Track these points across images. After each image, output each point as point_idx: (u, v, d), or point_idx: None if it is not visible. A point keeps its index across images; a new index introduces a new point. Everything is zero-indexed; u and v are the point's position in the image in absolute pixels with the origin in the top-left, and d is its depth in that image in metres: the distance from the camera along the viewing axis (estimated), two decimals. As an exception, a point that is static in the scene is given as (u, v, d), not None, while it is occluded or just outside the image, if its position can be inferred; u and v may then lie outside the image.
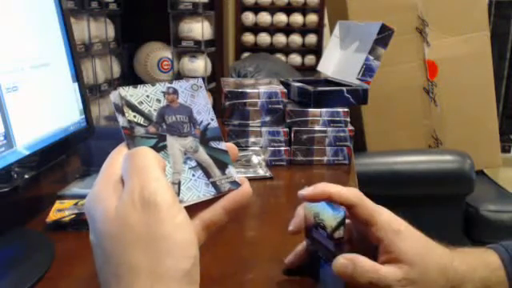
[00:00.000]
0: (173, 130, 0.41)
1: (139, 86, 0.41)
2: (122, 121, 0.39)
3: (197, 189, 0.40)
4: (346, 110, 0.98)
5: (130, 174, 0.36)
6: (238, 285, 0.56)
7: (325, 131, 0.97)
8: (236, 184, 0.41)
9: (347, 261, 0.47)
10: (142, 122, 0.39)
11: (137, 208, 0.34)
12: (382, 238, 0.48)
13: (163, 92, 0.41)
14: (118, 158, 0.38)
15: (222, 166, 0.41)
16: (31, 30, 0.65)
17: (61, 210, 0.69)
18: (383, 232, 0.48)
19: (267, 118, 0.97)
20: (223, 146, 0.42)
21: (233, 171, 0.42)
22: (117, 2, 1.42)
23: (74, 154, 0.93)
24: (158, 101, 0.40)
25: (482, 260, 0.56)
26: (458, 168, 1.38)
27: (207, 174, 0.41)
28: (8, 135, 0.56)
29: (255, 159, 0.93)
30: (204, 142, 0.42)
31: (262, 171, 0.90)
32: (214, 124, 0.42)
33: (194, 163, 0.41)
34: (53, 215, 0.68)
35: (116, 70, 1.44)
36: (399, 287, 0.47)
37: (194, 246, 0.35)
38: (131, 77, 1.58)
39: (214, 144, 0.42)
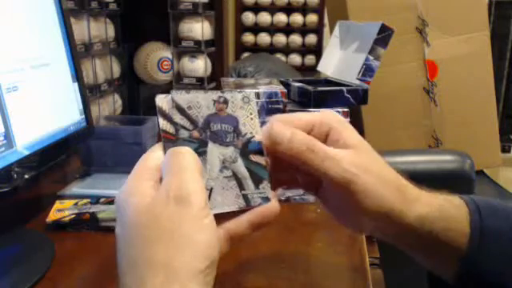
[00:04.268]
0: (215, 138, 0.42)
1: (192, 91, 0.42)
2: (162, 124, 0.40)
3: (227, 198, 0.41)
4: (345, 109, 0.97)
5: (170, 170, 0.38)
6: (238, 285, 0.56)
7: (325, 131, 0.97)
8: (267, 200, 0.42)
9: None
10: (187, 126, 0.41)
11: (170, 204, 0.36)
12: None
13: (214, 100, 0.42)
14: (152, 155, 0.40)
15: (258, 181, 0.42)
16: (31, 30, 0.65)
17: (61, 210, 0.69)
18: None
19: (267, 118, 0.96)
20: (263, 160, 0.43)
21: (267, 187, 0.42)
22: (117, 2, 1.42)
23: (74, 153, 0.93)
24: (207, 108, 0.42)
25: (444, 196, 0.50)
26: (458, 168, 1.37)
27: (240, 186, 0.42)
28: (8, 135, 0.56)
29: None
30: (244, 154, 0.42)
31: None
32: (258, 138, 0.44)
33: (229, 173, 0.41)
34: (53, 215, 0.68)
35: (116, 69, 1.44)
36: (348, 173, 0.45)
37: (213, 249, 0.36)
38: (131, 77, 1.58)
39: (253, 158, 0.43)
